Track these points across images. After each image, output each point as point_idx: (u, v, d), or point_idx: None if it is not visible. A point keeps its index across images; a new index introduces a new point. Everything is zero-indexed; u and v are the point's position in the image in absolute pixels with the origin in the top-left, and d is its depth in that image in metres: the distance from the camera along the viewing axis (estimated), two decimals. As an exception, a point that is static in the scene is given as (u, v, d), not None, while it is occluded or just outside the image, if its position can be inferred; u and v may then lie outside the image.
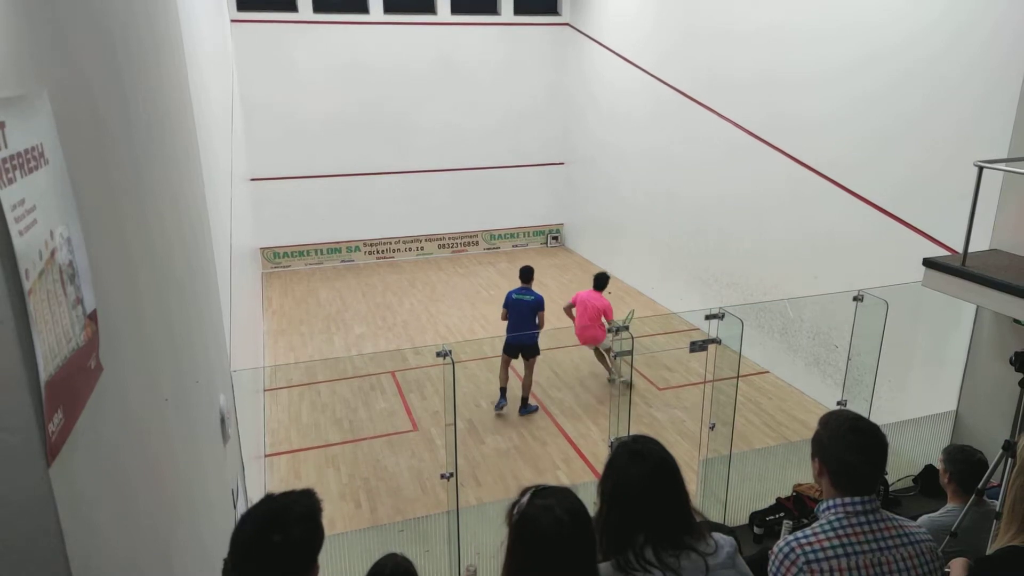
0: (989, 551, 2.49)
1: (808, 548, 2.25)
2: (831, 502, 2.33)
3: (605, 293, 9.22)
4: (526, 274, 8.76)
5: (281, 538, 1.87)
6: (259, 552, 1.87)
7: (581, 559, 1.96)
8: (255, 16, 13.66)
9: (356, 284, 14.09)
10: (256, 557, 1.87)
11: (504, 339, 8.63)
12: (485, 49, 15.23)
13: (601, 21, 14.07)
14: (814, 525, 2.33)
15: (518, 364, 8.81)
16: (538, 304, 8.52)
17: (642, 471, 2.13)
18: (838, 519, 2.29)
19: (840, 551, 2.23)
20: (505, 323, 8.69)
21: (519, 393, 8.67)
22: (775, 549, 2.32)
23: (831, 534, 2.26)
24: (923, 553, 2.30)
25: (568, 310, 9.30)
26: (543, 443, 7.98)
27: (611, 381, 9.21)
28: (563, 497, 1.98)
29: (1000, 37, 6.31)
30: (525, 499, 1.98)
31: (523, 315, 8.50)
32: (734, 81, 10.15)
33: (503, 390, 8.66)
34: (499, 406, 8.61)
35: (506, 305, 8.67)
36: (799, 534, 2.31)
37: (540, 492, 1.99)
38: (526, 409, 8.60)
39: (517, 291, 8.63)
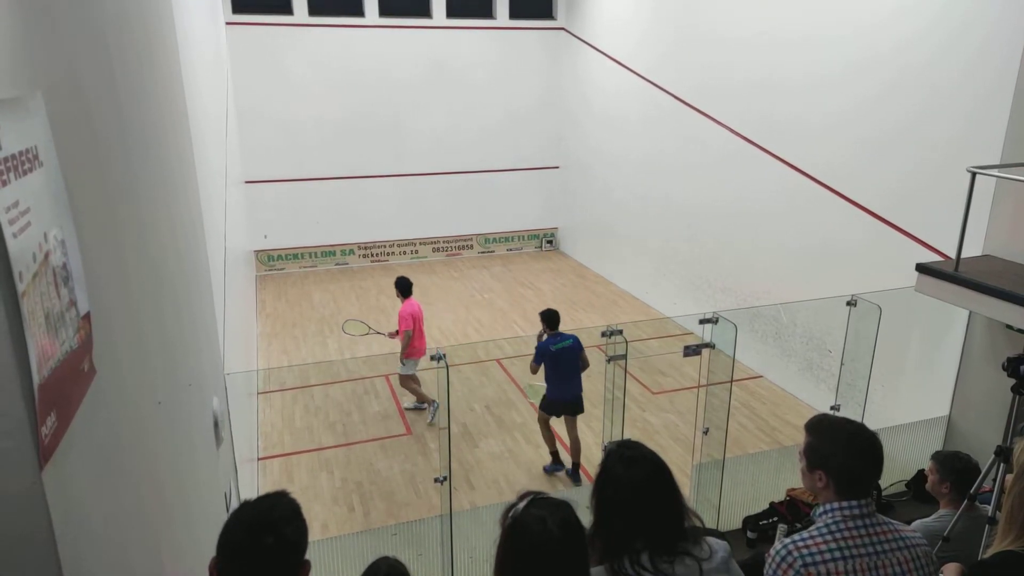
0: (984, 556, 2.50)
1: (805, 551, 2.26)
2: (828, 506, 2.34)
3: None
4: (554, 319, 7.24)
5: (274, 539, 1.87)
6: (253, 556, 1.86)
7: (570, 571, 1.96)
8: (250, 19, 13.65)
9: (350, 287, 14.07)
10: (250, 561, 1.87)
11: (549, 396, 7.26)
12: (480, 53, 15.24)
13: (596, 25, 14.11)
14: (811, 528, 2.34)
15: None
16: (579, 346, 7.16)
17: (638, 476, 2.13)
18: (835, 522, 2.30)
19: (837, 554, 2.24)
20: (536, 374, 7.26)
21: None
22: (772, 552, 2.33)
23: (828, 537, 2.27)
24: (919, 557, 2.31)
25: (407, 331, 8.19)
26: (537, 447, 7.97)
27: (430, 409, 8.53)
28: (557, 509, 1.98)
29: (993, 44, 6.35)
30: (521, 505, 1.98)
31: (573, 365, 7.14)
32: (728, 86, 10.18)
33: (556, 453, 7.50)
34: (557, 470, 7.52)
35: (544, 358, 7.10)
36: (796, 537, 2.32)
37: (536, 501, 1.99)
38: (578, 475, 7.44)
39: (553, 340, 7.09)
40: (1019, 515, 2.38)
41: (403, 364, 8.34)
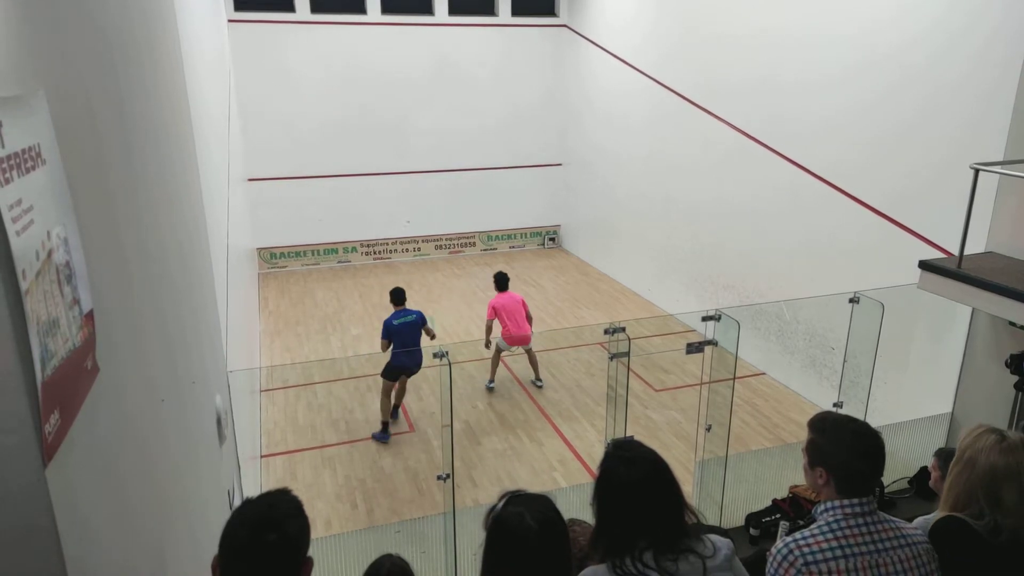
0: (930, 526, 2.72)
1: (807, 549, 2.26)
2: (829, 504, 2.34)
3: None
4: (399, 296, 8.42)
5: (276, 536, 1.87)
6: (256, 553, 1.86)
7: (551, 565, 2.02)
8: (252, 16, 13.65)
9: (353, 285, 14.08)
10: (253, 559, 1.86)
11: (388, 366, 8.09)
12: (482, 50, 15.23)
13: (599, 23, 14.08)
14: (812, 527, 2.34)
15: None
16: (421, 320, 8.33)
17: (637, 476, 2.13)
18: (836, 521, 2.30)
19: (838, 552, 2.25)
20: (387, 352, 8.09)
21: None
22: (773, 550, 2.33)
23: (829, 536, 2.28)
24: (920, 555, 2.32)
25: (492, 323, 9.03)
26: (539, 444, 7.98)
27: (539, 384, 9.32)
28: (535, 505, 2.06)
29: (996, 41, 6.33)
30: (500, 504, 2.08)
31: (414, 337, 8.20)
32: (732, 84, 10.16)
33: (388, 424, 8.16)
34: (385, 439, 8.09)
35: (390, 335, 8.04)
36: (797, 535, 2.32)
37: (514, 499, 2.08)
38: (385, 436, 8.14)
39: (397, 315, 8.21)
40: (950, 496, 2.63)
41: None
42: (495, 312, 9.05)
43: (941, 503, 2.73)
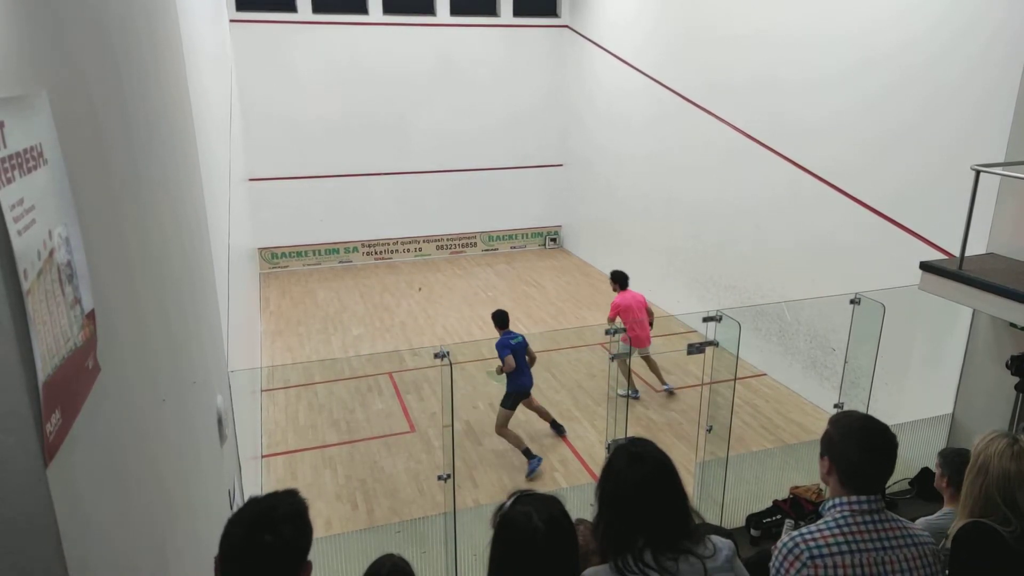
0: (951, 533, 2.75)
1: (812, 543, 2.27)
2: (836, 500, 2.36)
3: None
4: (504, 319, 7.94)
5: (272, 538, 1.86)
6: (251, 554, 1.86)
7: (557, 565, 2.02)
8: (254, 16, 13.66)
9: (354, 285, 14.08)
10: (248, 559, 1.86)
11: (513, 389, 7.74)
12: (484, 50, 15.24)
13: (600, 23, 14.09)
14: (819, 522, 2.36)
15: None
16: (526, 342, 7.90)
17: (640, 474, 2.13)
18: (843, 516, 2.32)
19: (844, 548, 2.26)
20: (505, 374, 7.68)
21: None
22: (779, 544, 2.34)
23: (836, 531, 2.29)
24: (926, 555, 2.33)
25: (613, 320, 8.63)
26: (540, 445, 7.98)
27: (669, 391, 8.99)
28: (543, 505, 2.06)
29: (997, 42, 6.33)
30: (508, 503, 2.07)
31: (525, 358, 7.80)
32: (733, 84, 10.16)
33: (528, 449, 7.65)
34: (540, 462, 7.59)
35: (514, 352, 7.63)
36: (804, 530, 2.34)
37: (522, 498, 2.08)
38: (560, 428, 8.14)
39: (510, 336, 7.73)
40: (968, 502, 2.66)
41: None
42: (617, 312, 8.69)
43: (960, 508, 2.75)
